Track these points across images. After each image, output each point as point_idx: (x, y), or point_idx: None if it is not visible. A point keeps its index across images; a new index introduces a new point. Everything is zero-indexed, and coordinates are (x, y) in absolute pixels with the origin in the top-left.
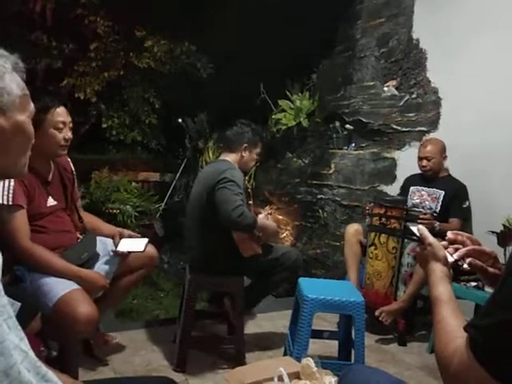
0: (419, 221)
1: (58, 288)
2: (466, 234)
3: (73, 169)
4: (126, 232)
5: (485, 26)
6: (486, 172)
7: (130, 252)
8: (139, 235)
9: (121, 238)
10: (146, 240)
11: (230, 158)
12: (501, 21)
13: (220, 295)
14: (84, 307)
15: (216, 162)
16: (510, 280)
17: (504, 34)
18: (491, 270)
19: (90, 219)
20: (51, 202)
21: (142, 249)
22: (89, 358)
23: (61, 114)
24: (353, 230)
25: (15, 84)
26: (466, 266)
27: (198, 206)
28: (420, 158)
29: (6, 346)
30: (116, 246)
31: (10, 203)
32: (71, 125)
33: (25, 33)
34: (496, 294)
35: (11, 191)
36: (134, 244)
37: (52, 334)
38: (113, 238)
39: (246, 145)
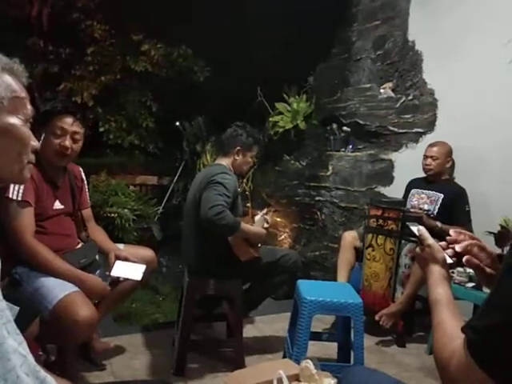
0: (409, 214)
1: (57, 290)
2: (469, 233)
3: (83, 178)
4: (123, 253)
5: (480, 27)
6: (483, 173)
7: (125, 279)
8: (136, 260)
9: (116, 259)
10: (143, 266)
11: (225, 161)
12: (495, 22)
13: (208, 298)
14: (84, 309)
15: (210, 166)
16: (506, 280)
17: (499, 36)
18: (488, 270)
19: (94, 230)
20: (58, 205)
21: (139, 277)
22: (87, 363)
23: (64, 121)
24: (350, 237)
25: (3, 87)
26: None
27: (192, 209)
28: (425, 157)
29: (5, 350)
30: (110, 268)
31: (20, 199)
32: (77, 136)
33: (22, 38)
34: (493, 294)
35: (22, 187)
36: (130, 269)
37: (51, 336)
38: (107, 255)
39: (238, 148)
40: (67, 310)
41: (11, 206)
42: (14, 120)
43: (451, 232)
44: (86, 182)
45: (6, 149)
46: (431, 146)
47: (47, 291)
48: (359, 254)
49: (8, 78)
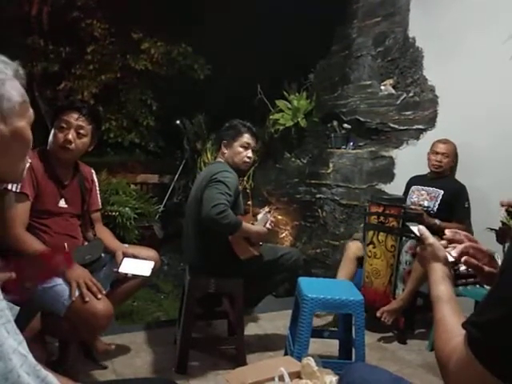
0: (409, 211)
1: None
2: (464, 233)
3: (94, 179)
4: (130, 251)
5: (480, 23)
6: (483, 169)
7: (133, 275)
8: (144, 258)
9: (124, 257)
10: (151, 263)
11: (221, 158)
12: (496, 19)
13: (209, 296)
14: (101, 303)
15: (211, 164)
16: (506, 276)
17: (499, 32)
18: (487, 268)
19: (102, 230)
20: (62, 204)
21: (147, 274)
22: (89, 362)
23: (70, 115)
24: (354, 247)
25: (15, 91)
26: (462, 268)
27: (193, 207)
28: (436, 153)
29: (5, 350)
30: (118, 266)
31: (18, 191)
32: (82, 131)
33: (21, 37)
34: (493, 290)
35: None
36: (138, 266)
37: (67, 332)
38: (114, 254)
39: (224, 141)
40: (85, 304)
41: (8, 196)
42: (22, 123)
43: (447, 232)
44: (96, 184)
45: (16, 151)
46: (443, 143)
47: (62, 288)
48: (360, 261)
49: (17, 83)
